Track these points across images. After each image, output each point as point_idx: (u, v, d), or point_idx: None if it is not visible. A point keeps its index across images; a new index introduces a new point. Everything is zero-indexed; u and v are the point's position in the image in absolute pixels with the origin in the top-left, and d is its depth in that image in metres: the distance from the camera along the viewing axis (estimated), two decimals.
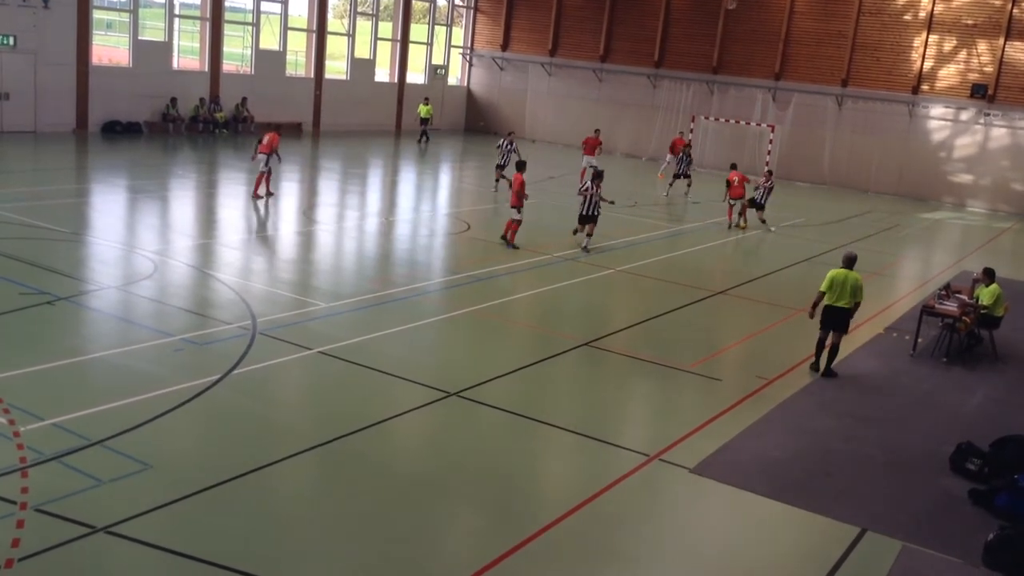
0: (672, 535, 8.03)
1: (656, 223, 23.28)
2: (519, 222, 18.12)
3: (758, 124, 36.34)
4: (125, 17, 30.49)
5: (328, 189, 25.46)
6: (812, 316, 12.59)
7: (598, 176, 18.61)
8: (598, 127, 30.60)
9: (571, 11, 40.73)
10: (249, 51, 34.25)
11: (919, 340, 14.14)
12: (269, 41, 34.77)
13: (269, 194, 21.20)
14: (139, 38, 30.39)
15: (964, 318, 13.57)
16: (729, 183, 23.50)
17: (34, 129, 27.72)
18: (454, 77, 44.16)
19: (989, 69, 33.08)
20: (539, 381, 11.41)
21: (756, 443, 9.89)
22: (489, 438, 9.68)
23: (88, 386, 9.79)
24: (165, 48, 31.20)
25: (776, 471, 9.24)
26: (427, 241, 19.37)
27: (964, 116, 33.87)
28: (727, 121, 36.74)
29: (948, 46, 33.78)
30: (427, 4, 42.07)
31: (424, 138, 36.08)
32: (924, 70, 34.13)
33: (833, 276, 12.31)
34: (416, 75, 42.18)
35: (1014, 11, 32.40)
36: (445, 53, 42.87)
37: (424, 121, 36.16)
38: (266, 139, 20.90)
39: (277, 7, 34.54)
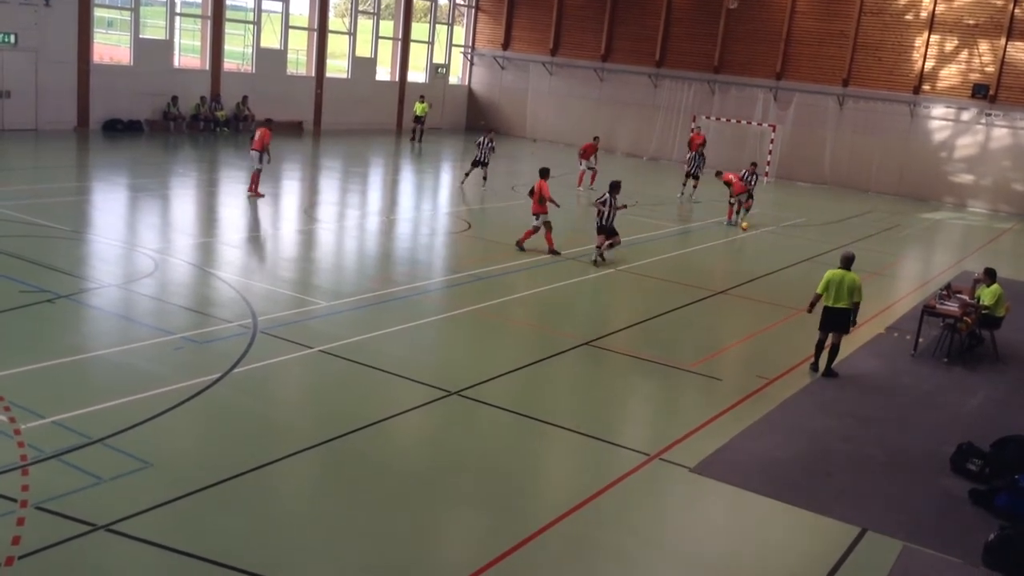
0: (672, 535, 8.03)
1: (658, 223, 23.27)
2: (537, 228, 17.95)
3: (759, 124, 36.35)
4: (126, 15, 30.50)
5: (329, 188, 25.45)
6: (811, 311, 12.62)
7: (615, 187, 17.66)
8: (597, 135, 29.94)
9: (572, 10, 40.71)
10: (250, 49, 34.25)
11: (920, 340, 14.14)
12: (270, 40, 34.76)
13: (258, 195, 20.75)
14: (140, 36, 30.39)
15: (965, 318, 13.56)
16: (728, 183, 23.77)
17: (35, 127, 27.72)
18: (455, 76, 44.15)
19: (990, 69, 33.06)
20: (540, 380, 11.41)
21: (756, 443, 9.89)
22: (490, 437, 9.68)
23: (89, 384, 9.79)
24: (166, 46, 31.19)
25: (776, 471, 9.24)
26: (428, 240, 19.37)
27: (965, 116, 33.85)
28: (728, 121, 36.74)
29: (949, 46, 33.76)
30: (428, 3, 42.05)
31: (418, 136, 35.84)
32: (925, 70, 34.12)
33: (830, 277, 12.23)
34: (417, 74, 42.16)
35: (1016, 11, 32.36)
36: (446, 52, 42.87)
37: (419, 119, 36.03)
38: (257, 135, 20.77)
39: (278, 6, 34.52)
